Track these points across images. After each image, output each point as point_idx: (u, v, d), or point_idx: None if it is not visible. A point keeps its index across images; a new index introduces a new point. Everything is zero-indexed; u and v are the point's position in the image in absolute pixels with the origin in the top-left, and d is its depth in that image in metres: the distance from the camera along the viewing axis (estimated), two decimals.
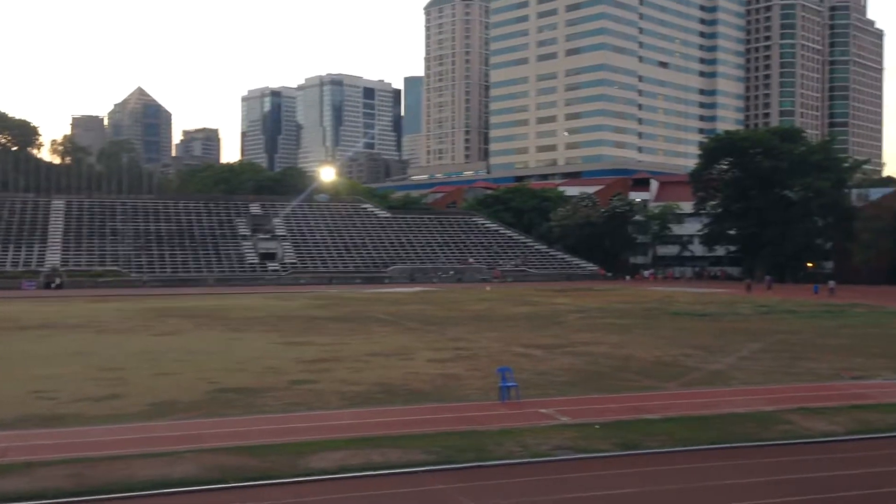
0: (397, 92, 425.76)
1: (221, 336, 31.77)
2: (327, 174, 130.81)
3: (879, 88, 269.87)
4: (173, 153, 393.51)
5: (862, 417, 16.17)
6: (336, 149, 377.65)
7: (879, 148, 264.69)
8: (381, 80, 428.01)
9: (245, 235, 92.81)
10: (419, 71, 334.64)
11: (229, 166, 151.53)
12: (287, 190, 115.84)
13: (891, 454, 13.52)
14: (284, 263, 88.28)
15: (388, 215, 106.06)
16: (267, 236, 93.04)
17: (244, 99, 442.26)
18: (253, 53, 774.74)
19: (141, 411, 16.72)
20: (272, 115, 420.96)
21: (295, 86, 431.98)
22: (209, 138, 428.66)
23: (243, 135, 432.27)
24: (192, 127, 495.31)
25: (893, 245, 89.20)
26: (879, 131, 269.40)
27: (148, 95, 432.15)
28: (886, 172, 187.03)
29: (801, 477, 12.13)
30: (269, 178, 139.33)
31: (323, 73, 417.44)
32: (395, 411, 16.75)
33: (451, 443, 13.87)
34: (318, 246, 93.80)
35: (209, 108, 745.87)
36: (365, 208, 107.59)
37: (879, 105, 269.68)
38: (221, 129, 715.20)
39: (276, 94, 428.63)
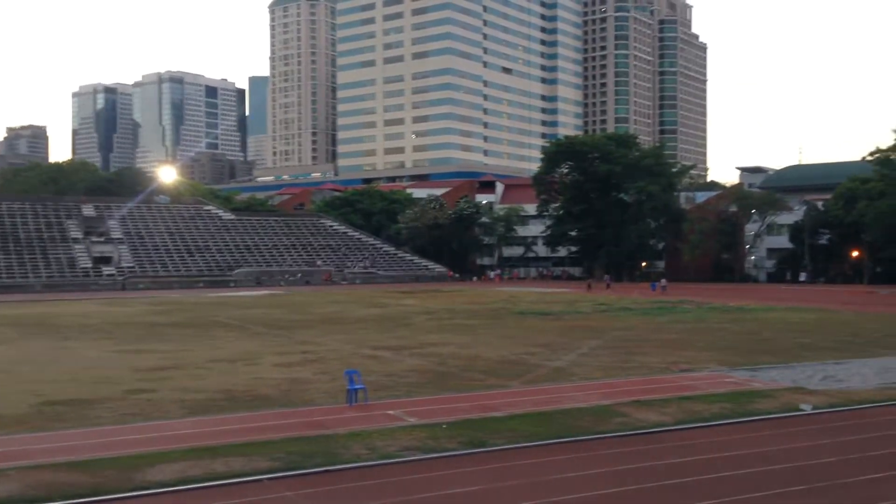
0: (241, 91, 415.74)
1: (50, 345, 29.82)
2: (167, 174, 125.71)
3: (704, 98, 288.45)
4: None
5: (689, 408, 17.12)
6: (177, 148, 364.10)
7: (704, 154, 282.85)
8: (225, 80, 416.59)
9: (77, 238, 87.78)
10: (264, 71, 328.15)
11: (58, 165, 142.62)
12: (123, 191, 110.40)
13: (715, 441, 14.38)
14: (121, 268, 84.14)
15: (232, 217, 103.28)
16: (101, 239, 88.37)
17: (75, 95, 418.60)
18: (85, 48, 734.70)
19: None
20: (106, 113, 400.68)
21: (132, 83, 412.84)
22: (36, 136, 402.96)
23: (74, 132, 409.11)
24: (16, 124, 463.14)
25: (717, 245, 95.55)
26: (704, 138, 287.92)
27: None
28: (710, 177, 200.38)
29: (635, 466, 12.68)
30: (103, 178, 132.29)
31: (162, 70, 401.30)
32: (238, 418, 16.25)
33: (297, 448, 13.59)
34: (158, 249, 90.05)
35: (36, 103, 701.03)
36: (208, 210, 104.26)
37: (704, 114, 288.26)
38: (50, 127, 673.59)
39: (110, 90, 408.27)
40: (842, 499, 10.97)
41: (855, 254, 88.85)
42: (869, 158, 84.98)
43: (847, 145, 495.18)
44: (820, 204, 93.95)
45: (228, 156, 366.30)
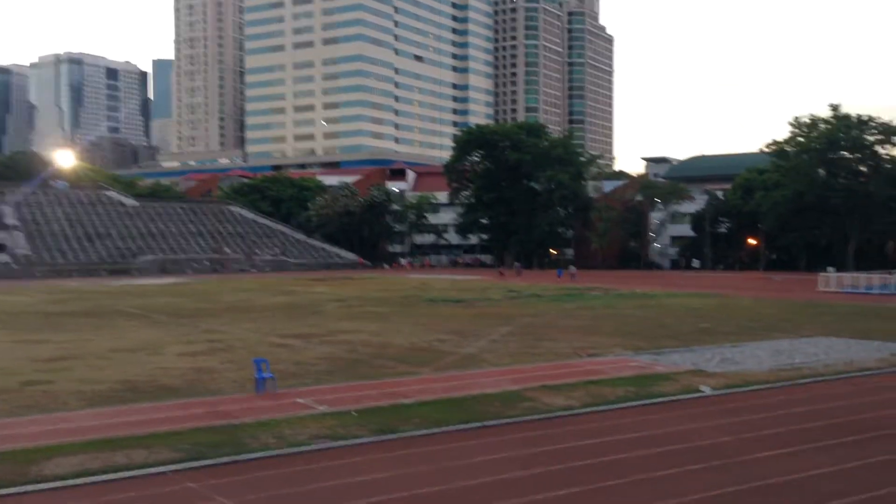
0: (144, 74, 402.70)
1: None
2: (66, 159, 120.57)
3: (610, 89, 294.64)
4: None
5: (596, 391, 17.51)
6: (76, 132, 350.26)
7: (611, 144, 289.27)
8: (127, 62, 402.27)
9: None
10: (169, 53, 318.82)
11: None
12: (18, 175, 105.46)
13: (619, 423, 14.75)
14: (16, 255, 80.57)
15: (135, 203, 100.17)
16: None
17: None
18: None
19: None
20: (0, 94, 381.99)
21: (27, 63, 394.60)
22: None
23: None
24: None
25: (624, 233, 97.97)
26: (611, 129, 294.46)
27: None
28: (617, 167, 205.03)
29: (542, 450, 12.88)
30: None
31: (61, 51, 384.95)
32: (141, 409, 15.78)
33: (203, 439, 13.29)
34: (56, 236, 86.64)
35: None
36: (110, 196, 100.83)
37: (611, 105, 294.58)
38: None
39: (4, 70, 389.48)
40: (737, 477, 11.40)
41: (752, 242, 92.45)
42: (766, 150, 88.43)
43: (747, 137, 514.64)
44: (720, 194, 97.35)
45: (131, 140, 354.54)
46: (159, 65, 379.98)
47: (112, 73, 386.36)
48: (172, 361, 21.97)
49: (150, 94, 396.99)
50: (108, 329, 30.37)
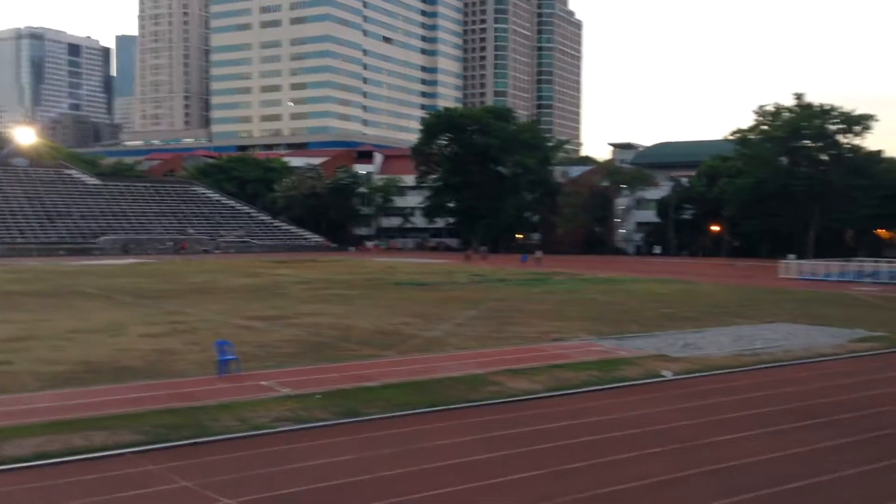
0: (107, 50, 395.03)
1: None
2: (26, 136, 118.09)
3: (578, 75, 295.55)
4: None
5: (559, 376, 17.65)
6: (36, 109, 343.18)
7: (578, 129, 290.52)
8: (89, 37, 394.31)
9: None
10: (132, 30, 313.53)
11: None
12: None
13: (582, 407, 14.90)
14: None
15: (97, 182, 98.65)
16: None
17: None
18: None
19: None
20: None
21: None
22: None
23: None
24: None
25: (590, 218, 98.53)
26: (579, 114, 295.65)
27: None
28: (584, 152, 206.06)
29: (505, 433, 12.98)
30: None
31: (21, 25, 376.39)
32: (101, 391, 15.59)
33: (164, 421, 13.19)
34: (15, 215, 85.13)
35: None
36: (71, 174, 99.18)
37: (579, 90, 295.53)
38: None
39: None
40: (697, 460, 11.58)
41: (715, 228, 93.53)
42: (730, 138, 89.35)
43: (712, 124, 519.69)
44: (685, 180, 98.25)
45: (93, 118, 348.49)
46: (123, 41, 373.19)
47: (74, 49, 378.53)
48: (134, 343, 21.73)
49: (113, 72, 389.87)
50: (68, 309, 29.94)
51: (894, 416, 14.60)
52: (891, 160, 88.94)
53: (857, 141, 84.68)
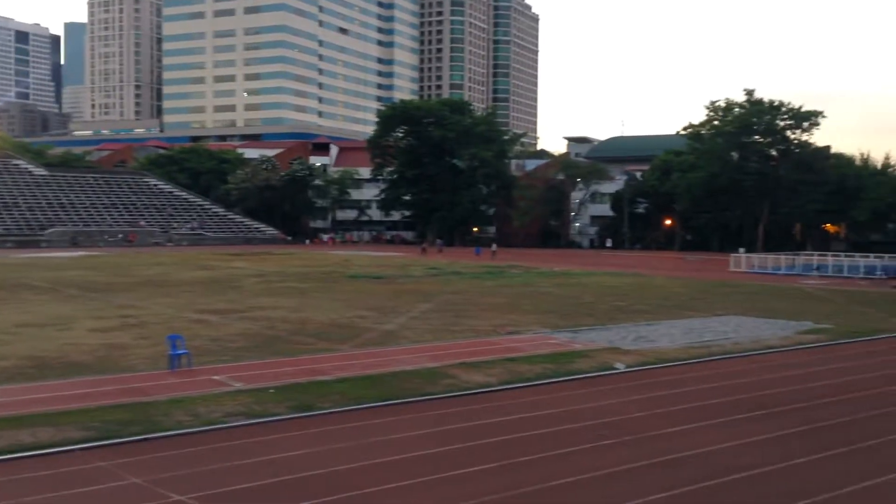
0: (56, 38, 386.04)
1: None
2: None
3: (535, 68, 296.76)
4: None
5: (513, 368, 17.77)
6: None
7: (535, 123, 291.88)
8: (37, 24, 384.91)
9: None
10: (81, 16, 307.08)
11: None
12: None
13: (536, 400, 15.02)
14: None
15: (45, 173, 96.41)
16: None
17: None
18: None
19: None
20: None
21: None
22: None
23: None
24: None
25: (545, 211, 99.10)
26: (535, 107, 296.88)
27: None
28: (540, 145, 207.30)
29: (460, 426, 13.03)
30: None
31: None
32: (48, 387, 15.31)
33: (113, 417, 12.99)
34: None
35: None
36: (17, 165, 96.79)
37: (535, 83, 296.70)
38: None
39: None
40: (648, 451, 11.75)
41: (668, 222, 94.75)
42: (682, 133, 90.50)
43: (666, 119, 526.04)
44: (639, 174, 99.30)
45: (41, 107, 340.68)
46: (71, 28, 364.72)
47: (21, 36, 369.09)
48: (83, 337, 21.35)
49: (62, 59, 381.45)
50: (14, 303, 29.30)
51: (836, 407, 14.97)
52: (838, 156, 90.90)
53: (805, 137, 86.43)
